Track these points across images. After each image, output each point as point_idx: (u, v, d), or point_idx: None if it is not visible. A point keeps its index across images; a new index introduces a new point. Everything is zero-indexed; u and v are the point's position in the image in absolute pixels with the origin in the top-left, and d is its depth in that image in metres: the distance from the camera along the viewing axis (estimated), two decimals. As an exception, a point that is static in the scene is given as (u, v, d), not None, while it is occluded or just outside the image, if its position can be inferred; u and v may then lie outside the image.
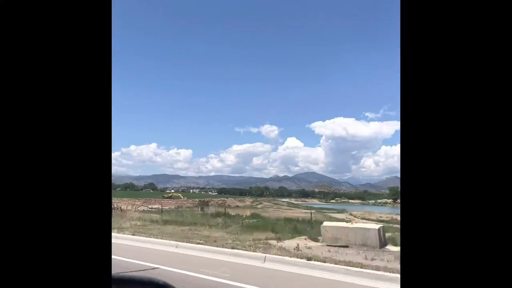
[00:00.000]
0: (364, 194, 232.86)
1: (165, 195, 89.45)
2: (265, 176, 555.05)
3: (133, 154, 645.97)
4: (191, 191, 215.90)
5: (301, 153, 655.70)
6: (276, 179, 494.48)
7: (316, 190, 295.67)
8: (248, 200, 78.59)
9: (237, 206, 55.62)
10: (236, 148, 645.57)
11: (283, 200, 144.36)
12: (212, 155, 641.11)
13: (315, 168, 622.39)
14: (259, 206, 67.23)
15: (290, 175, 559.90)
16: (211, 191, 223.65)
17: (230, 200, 77.00)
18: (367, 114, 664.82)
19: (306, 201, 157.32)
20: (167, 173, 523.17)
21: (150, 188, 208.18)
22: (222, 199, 75.40)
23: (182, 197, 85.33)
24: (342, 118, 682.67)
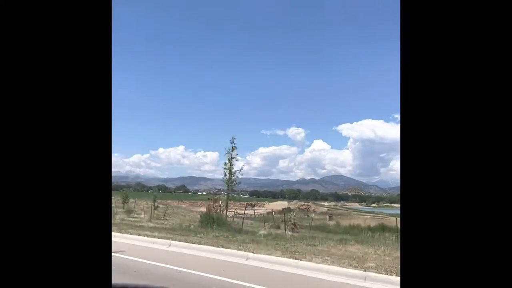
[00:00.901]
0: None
1: (210, 198, 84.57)
2: (291, 179, 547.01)
3: (161, 156, 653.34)
4: (222, 193, 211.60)
5: (328, 156, 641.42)
6: (303, 181, 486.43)
7: (349, 193, 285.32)
8: (302, 204, 72.29)
9: (323, 213, 49.35)
10: (263, 150, 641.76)
11: (323, 203, 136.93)
12: (238, 157, 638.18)
13: (342, 171, 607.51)
14: (332, 211, 60.42)
15: (317, 178, 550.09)
16: (242, 194, 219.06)
17: (313, 206, 70.40)
18: (396, 116, 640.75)
19: (346, 205, 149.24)
20: (194, 175, 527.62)
21: (181, 190, 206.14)
22: (304, 203, 69.22)
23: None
24: (370, 120, 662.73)
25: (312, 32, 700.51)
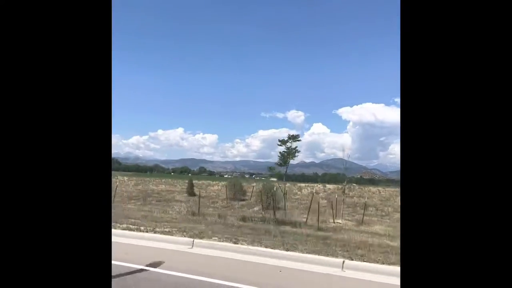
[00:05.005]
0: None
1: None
2: (291, 162, 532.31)
3: (160, 138, 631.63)
4: (235, 175, 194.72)
5: (327, 139, 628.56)
6: (303, 165, 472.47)
7: (364, 177, 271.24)
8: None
9: None
10: (262, 133, 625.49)
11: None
12: (237, 140, 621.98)
13: (341, 155, 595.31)
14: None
15: (316, 161, 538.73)
16: (257, 177, 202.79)
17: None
18: (397, 99, 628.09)
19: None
20: (194, 157, 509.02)
21: (186, 172, 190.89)
22: None
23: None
24: (370, 103, 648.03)
25: (317, 9, 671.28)
